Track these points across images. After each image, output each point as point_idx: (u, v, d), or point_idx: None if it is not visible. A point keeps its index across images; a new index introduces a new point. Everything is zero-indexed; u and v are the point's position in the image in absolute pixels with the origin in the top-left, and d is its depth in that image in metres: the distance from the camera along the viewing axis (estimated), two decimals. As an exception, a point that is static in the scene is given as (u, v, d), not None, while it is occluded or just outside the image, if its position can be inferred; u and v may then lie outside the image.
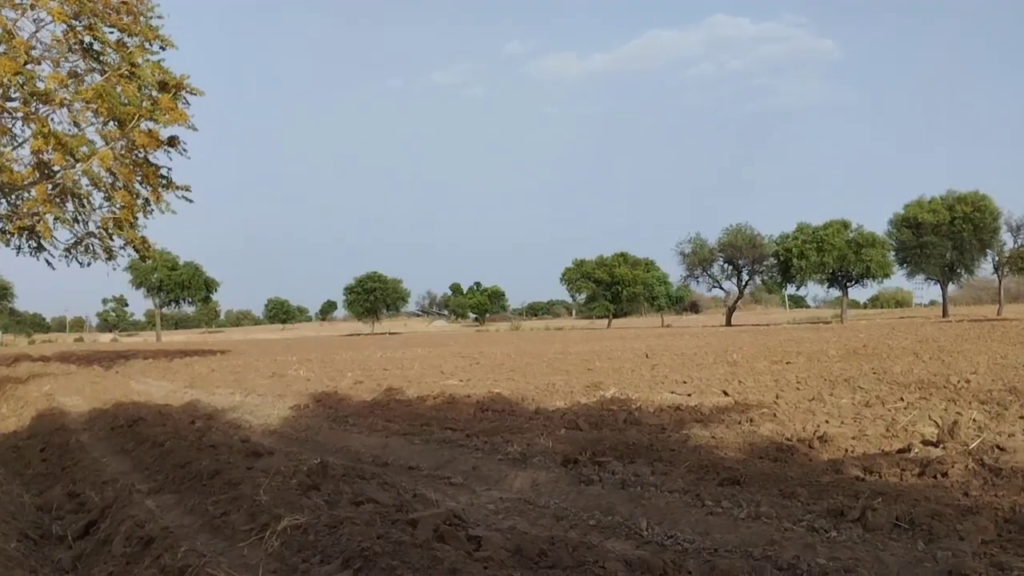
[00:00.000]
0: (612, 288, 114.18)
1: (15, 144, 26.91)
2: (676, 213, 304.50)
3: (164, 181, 29.17)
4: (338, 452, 10.94)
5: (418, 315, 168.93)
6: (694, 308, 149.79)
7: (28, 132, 26.77)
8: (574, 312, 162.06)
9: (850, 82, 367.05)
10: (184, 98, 28.19)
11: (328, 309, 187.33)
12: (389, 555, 5.31)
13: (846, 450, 8.77)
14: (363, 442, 11.55)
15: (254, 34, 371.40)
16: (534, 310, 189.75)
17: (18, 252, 29.07)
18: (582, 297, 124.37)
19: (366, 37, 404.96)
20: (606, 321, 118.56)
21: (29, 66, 25.95)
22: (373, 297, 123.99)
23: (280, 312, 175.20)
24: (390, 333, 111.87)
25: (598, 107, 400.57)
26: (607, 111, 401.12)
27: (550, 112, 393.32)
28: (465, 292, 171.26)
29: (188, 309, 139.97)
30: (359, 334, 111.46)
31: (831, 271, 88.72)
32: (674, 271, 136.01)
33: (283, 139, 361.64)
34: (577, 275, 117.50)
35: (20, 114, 27.45)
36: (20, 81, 25.26)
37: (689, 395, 14.53)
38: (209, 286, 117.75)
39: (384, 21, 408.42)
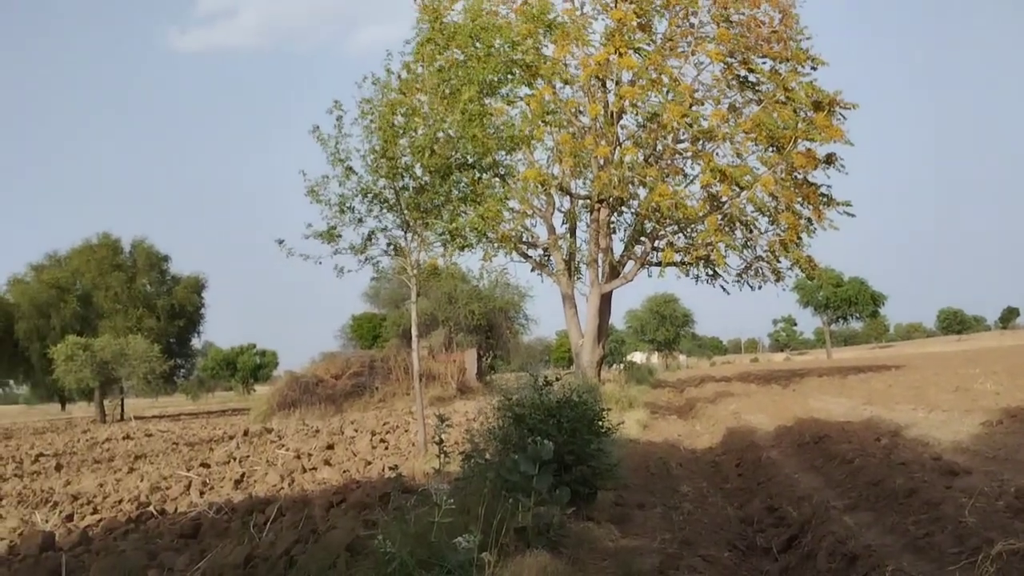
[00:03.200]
0: None
1: (687, 182, 29.35)
2: None
3: (825, 199, 29.42)
4: (1046, 472, 9.84)
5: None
6: None
7: (697, 169, 29.04)
8: None
9: None
10: (839, 114, 28.20)
11: (1009, 316, 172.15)
12: None
13: None
14: (1074, 462, 10.26)
15: (898, 24, 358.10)
16: None
17: (696, 281, 31.52)
18: None
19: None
20: None
21: (693, 108, 28.19)
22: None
23: (954, 322, 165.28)
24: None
25: None
26: None
27: None
28: None
29: (855, 325, 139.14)
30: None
31: None
32: None
33: (941, 135, 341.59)
34: None
35: (689, 154, 29.89)
36: (688, 123, 27.55)
37: None
38: (876, 300, 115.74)
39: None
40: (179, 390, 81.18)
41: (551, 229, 30.62)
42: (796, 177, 28.67)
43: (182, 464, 17.35)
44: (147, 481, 14.67)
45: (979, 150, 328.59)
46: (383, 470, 13.55)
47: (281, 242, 15.34)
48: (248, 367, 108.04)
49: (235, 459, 17.59)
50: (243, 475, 14.72)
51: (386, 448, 17.62)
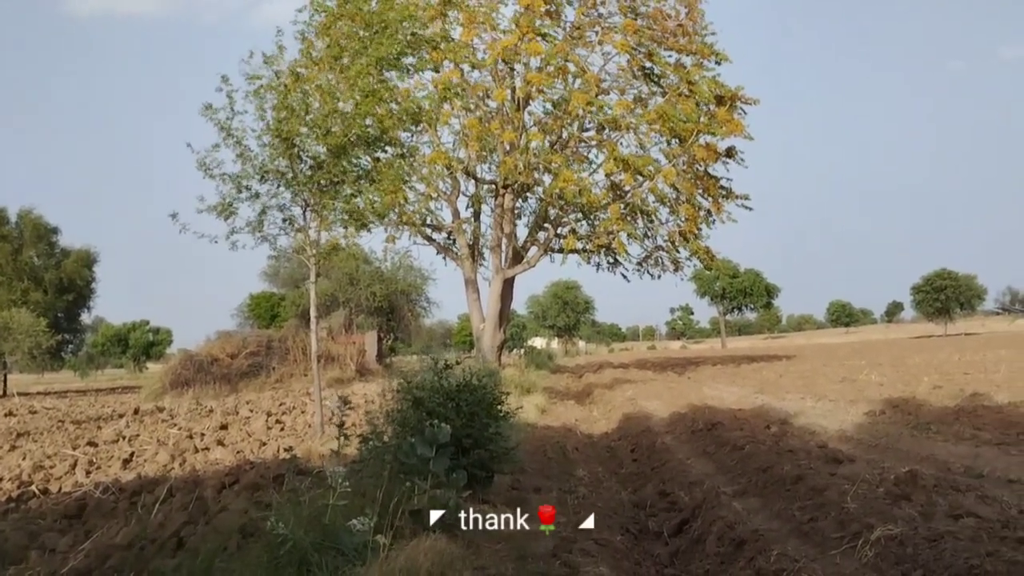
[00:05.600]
0: None
1: (591, 170, 29.62)
2: None
3: (724, 192, 30.05)
4: (923, 461, 10.25)
5: (997, 314, 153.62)
6: None
7: (601, 158, 29.33)
8: None
9: None
10: (740, 108, 28.81)
11: (894, 311, 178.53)
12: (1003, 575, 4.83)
13: None
14: (950, 451, 10.75)
15: (801, 29, 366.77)
16: None
17: (597, 269, 31.86)
18: None
19: (923, 15, 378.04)
20: None
21: (599, 97, 28.45)
22: (944, 296, 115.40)
23: (843, 315, 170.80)
24: (966, 334, 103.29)
25: None
26: None
27: None
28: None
29: (750, 315, 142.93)
30: (930, 336, 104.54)
31: None
32: None
33: (838, 135, 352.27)
34: None
35: (594, 142, 30.15)
36: (593, 111, 27.80)
37: None
38: (770, 292, 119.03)
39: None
40: (67, 366, 78.76)
41: (456, 213, 30.60)
42: (697, 169, 29.21)
43: (68, 442, 16.75)
44: (30, 459, 14.11)
45: (871, 149, 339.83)
46: (278, 451, 13.33)
47: (174, 216, 14.68)
48: (140, 344, 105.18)
49: (124, 438, 17.04)
50: (132, 454, 14.29)
51: (282, 429, 17.35)
